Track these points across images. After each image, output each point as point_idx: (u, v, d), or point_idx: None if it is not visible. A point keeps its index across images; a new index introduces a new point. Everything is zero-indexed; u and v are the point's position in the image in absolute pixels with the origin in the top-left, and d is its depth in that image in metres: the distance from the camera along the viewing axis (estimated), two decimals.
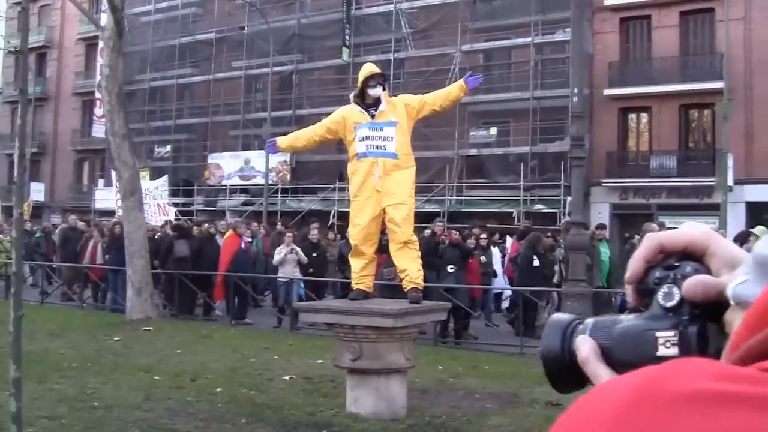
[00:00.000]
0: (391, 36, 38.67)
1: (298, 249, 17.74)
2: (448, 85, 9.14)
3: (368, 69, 8.47)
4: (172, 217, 26.44)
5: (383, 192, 8.15)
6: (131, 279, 16.11)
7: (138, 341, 13.45)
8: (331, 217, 33.78)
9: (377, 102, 8.32)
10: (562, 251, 17.43)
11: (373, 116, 8.26)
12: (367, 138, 8.26)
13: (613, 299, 16.10)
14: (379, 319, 7.81)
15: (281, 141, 8.97)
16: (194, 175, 45.83)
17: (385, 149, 8.20)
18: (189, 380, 9.83)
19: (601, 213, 31.81)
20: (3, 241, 23.77)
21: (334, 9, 40.81)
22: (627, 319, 1.12)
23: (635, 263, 1.06)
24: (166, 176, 32.21)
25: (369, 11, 40.47)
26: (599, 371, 1.10)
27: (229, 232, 18.91)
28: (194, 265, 18.33)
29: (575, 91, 14.08)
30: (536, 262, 15.91)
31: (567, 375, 1.15)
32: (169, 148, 46.55)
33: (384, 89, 8.37)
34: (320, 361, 11.33)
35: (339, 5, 40.45)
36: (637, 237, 19.06)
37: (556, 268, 17.36)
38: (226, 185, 43.08)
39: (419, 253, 8.28)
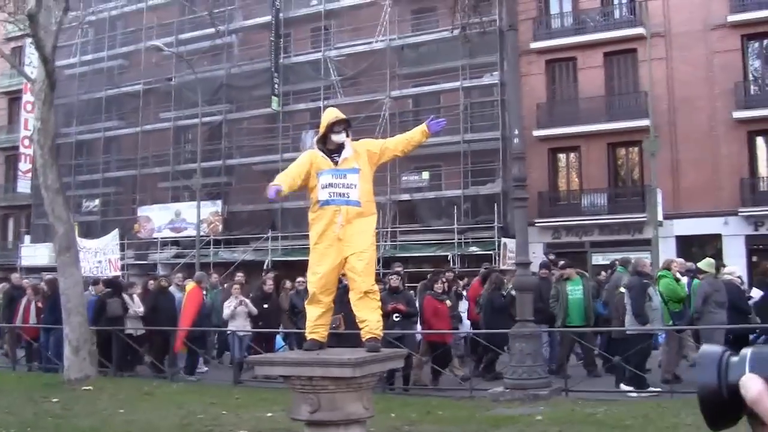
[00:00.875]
0: (320, 84, 38.77)
1: (248, 301, 17.51)
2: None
3: (333, 114, 8.29)
4: (118, 273, 25.92)
5: (344, 241, 8.00)
6: (68, 337, 15.62)
7: (78, 401, 13.01)
8: (264, 266, 33.42)
9: (340, 148, 8.18)
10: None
11: (336, 162, 8.11)
12: (330, 185, 8.10)
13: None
14: (337, 369, 7.62)
15: (283, 184, 8.67)
16: (124, 228, 45.05)
17: (349, 197, 8.06)
18: None
19: (535, 253, 31.97)
20: None
21: (262, 58, 40.79)
22: None
23: None
24: (117, 231, 31.60)
25: (297, 60, 40.53)
26: None
27: (192, 285, 18.45)
28: (150, 320, 17.89)
29: (516, 132, 14.16)
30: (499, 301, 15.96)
31: (724, 411, 1.06)
32: (97, 202, 45.74)
33: (347, 135, 8.23)
34: (270, 414, 11.08)
35: (267, 54, 40.45)
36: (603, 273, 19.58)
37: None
38: (156, 238, 42.46)
39: (380, 303, 8.10)
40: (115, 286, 19.45)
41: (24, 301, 20.14)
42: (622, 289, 15.45)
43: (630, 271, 15.06)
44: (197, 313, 17.57)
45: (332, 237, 8.01)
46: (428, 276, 17.78)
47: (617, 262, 17.84)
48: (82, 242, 25.79)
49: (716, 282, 14.29)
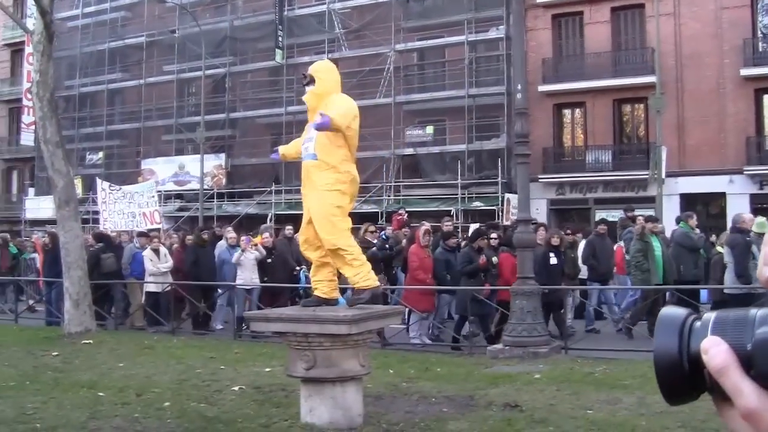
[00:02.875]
0: (324, 36, 38.44)
1: (260, 247, 17.34)
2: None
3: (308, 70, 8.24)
4: (162, 225, 24.55)
5: (305, 198, 8.04)
6: (68, 291, 15.61)
7: (78, 355, 13.01)
8: (268, 220, 33.37)
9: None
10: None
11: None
12: (306, 140, 8.11)
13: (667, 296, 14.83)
14: (332, 326, 7.60)
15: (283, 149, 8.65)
16: (127, 181, 44.93)
17: (308, 151, 7.99)
18: (135, 395, 9.49)
19: (538, 209, 31.94)
20: None
21: (266, 10, 40.45)
22: (763, 317, 0.91)
23: None
24: (154, 180, 31.27)
25: (302, 12, 40.18)
26: (742, 386, 0.89)
27: (259, 239, 18.16)
28: (190, 275, 17.66)
29: (519, 87, 14.01)
30: (554, 260, 15.23)
31: (684, 383, 0.93)
32: (101, 154, 45.66)
33: (310, 86, 8.07)
34: (268, 369, 11.09)
35: (271, 6, 40.11)
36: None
37: (581, 264, 17.02)
38: (160, 191, 42.35)
39: (354, 256, 7.95)
40: (107, 241, 19.39)
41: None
42: (719, 248, 14.96)
43: (730, 228, 14.45)
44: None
45: (303, 193, 8.08)
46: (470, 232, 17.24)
47: (680, 217, 17.14)
48: (114, 189, 24.79)
49: None
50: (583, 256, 17.07)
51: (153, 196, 24.62)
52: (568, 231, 18.49)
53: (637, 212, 24.97)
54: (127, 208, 23.45)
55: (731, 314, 0.92)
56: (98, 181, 27.04)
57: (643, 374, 9.68)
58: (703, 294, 16.13)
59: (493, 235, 16.17)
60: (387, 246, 16.43)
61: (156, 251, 18.02)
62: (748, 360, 0.88)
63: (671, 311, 0.97)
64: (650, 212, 27.52)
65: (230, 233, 18.37)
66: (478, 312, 14.53)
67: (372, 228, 17.01)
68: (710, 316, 0.93)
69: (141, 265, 18.12)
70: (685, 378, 0.92)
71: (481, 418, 8.15)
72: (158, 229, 22.31)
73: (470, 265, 14.62)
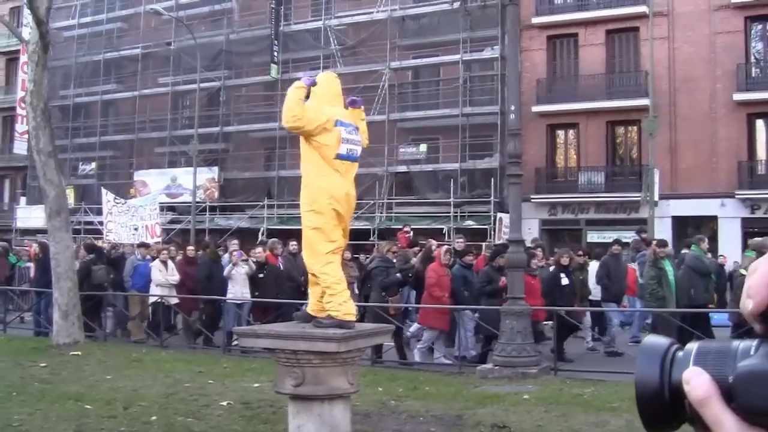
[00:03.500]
0: (319, 52, 38.56)
1: (250, 262, 17.25)
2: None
3: None
4: (159, 238, 24.30)
5: None
6: (58, 302, 15.56)
7: (66, 367, 12.96)
8: (260, 234, 33.34)
9: None
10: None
11: None
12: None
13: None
14: (321, 343, 7.56)
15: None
16: (120, 192, 44.89)
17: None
18: (121, 408, 9.46)
19: (530, 229, 31.96)
20: None
21: (262, 25, 40.54)
22: (745, 349, 0.91)
23: (762, 290, 0.88)
24: (155, 193, 31.30)
25: (297, 28, 40.28)
26: (723, 418, 0.89)
27: (266, 254, 18.17)
28: (204, 289, 17.48)
29: (512, 108, 14.03)
30: (565, 281, 15.19)
31: (664, 413, 0.92)
32: (93, 165, 45.60)
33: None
34: (257, 384, 11.06)
35: (267, 21, 40.21)
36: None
37: (592, 285, 16.96)
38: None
39: (328, 284, 7.87)
40: (98, 252, 19.30)
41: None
42: (743, 271, 14.80)
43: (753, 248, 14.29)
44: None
45: None
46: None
47: (690, 241, 16.92)
48: (119, 202, 25.06)
49: None
50: (597, 276, 16.95)
51: (155, 209, 24.82)
52: (580, 252, 18.38)
53: (631, 234, 25.05)
54: (130, 221, 23.73)
55: (713, 345, 0.93)
56: (104, 191, 27.25)
57: (631, 397, 9.51)
58: (716, 318, 16.09)
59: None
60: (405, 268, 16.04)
61: (164, 263, 17.92)
62: (730, 392, 0.88)
63: (653, 340, 0.97)
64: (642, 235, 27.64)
65: (234, 247, 18.26)
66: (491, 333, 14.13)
67: (395, 248, 16.72)
68: (692, 346, 0.94)
69: (143, 277, 18.05)
70: (665, 407, 0.92)
71: None
72: (158, 242, 22.35)
73: (490, 285, 14.48)
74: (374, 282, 15.37)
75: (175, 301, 17.86)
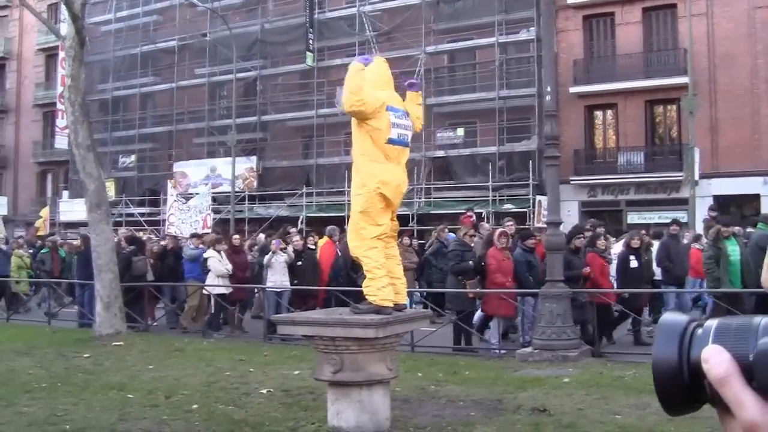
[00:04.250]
0: (354, 39, 38.44)
1: (289, 250, 17.28)
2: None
3: None
4: (209, 229, 24.54)
5: None
6: (99, 293, 15.75)
7: (109, 357, 13.11)
8: (299, 223, 33.46)
9: None
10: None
11: None
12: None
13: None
14: (359, 330, 7.59)
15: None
16: (159, 184, 45.35)
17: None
18: (163, 397, 9.55)
19: (570, 211, 31.76)
20: (23, 256, 22.93)
21: (296, 14, 40.57)
22: (767, 326, 0.87)
23: None
24: (209, 187, 31.79)
25: (332, 15, 40.24)
26: (744, 398, 0.85)
27: (325, 240, 18.16)
28: (299, 279, 17.21)
29: (548, 89, 13.93)
30: (634, 263, 14.77)
31: (684, 394, 0.90)
32: (133, 157, 46.02)
33: None
34: (297, 372, 11.10)
35: (301, 9, 40.22)
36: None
37: (655, 268, 16.30)
38: (191, 194, 42.63)
39: (369, 268, 7.90)
40: (139, 244, 19.44)
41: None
42: None
43: None
44: (332, 267, 17.35)
45: None
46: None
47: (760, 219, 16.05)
48: (178, 203, 25.83)
49: None
50: (657, 258, 16.28)
51: (208, 201, 25.50)
52: (644, 232, 17.79)
53: (678, 215, 24.71)
54: (189, 219, 24.73)
55: (734, 322, 0.89)
56: (169, 184, 27.95)
57: None
58: None
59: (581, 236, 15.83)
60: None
61: (219, 253, 17.80)
62: (750, 370, 0.85)
63: (672, 317, 0.94)
64: (683, 214, 27.37)
65: (295, 236, 18.31)
66: (580, 318, 13.66)
67: (471, 231, 16.42)
68: (712, 323, 0.90)
69: (198, 267, 18.17)
70: (684, 388, 0.89)
71: (509, 423, 8.11)
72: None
73: (570, 270, 13.77)
74: (448, 266, 15.14)
75: (222, 291, 17.79)
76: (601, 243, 15.25)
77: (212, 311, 18.02)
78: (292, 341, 14.44)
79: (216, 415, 8.63)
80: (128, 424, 8.24)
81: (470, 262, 14.64)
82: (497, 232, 14.97)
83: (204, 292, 17.94)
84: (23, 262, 22.47)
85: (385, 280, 7.89)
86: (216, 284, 17.54)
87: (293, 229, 19.58)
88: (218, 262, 17.51)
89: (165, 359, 12.82)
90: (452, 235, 18.51)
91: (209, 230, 24.05)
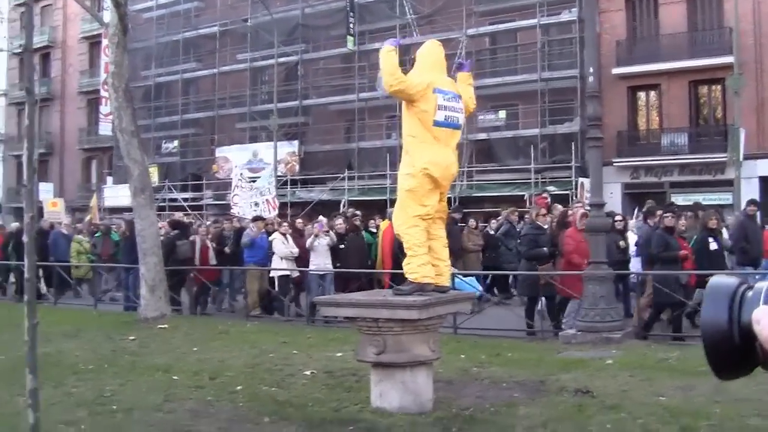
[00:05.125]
0: (395, 22, 38.40)
1: (332, 234, 17.33)
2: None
3: None
4: (276, 212, 24.54)
5: None
6: (144, 277, 15.92)
7: (154, 340, 13.27)
8: (341, 206, 33.54)
9: None
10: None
11: None
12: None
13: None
14: (402, 311, 7.61)
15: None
16: (202, 169, 45.73)
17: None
18: (208, 379, 9.65)
19: (612, 193, 31.52)
20: (82, 242, 23.09)
21: None
22: None
23: None
24: (271, 168, 31.95)
25: None
26: None
27: (387, 223, 18.22)
28: (342, 261, 17.21)
29: (591, 70, 13.80)
30: (713, 245, 14.19)
31: (734, 357, 0.89)
32: (176, 143, 46.42)
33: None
34: (340, 354, 11.14)
35: None
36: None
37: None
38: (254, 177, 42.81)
39: (409, 245, 7.93)
40: (182, 228, 19.57)
41: (198, 241, 19.13)
42: None
43: None
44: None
45: None
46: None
47: None
48: (244, 180, 25.89)
49: None
50: (734, 239, 15.71)
51: (271, 182, 25.48)
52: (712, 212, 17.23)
53: (722, 196, 24.37)
54: (251, 199, 24.70)
55: None
56: (235, 167, 27.97)
57: None
58: None
59: (618, 218, 15.61)
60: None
61: (284, 236, 17.82)
62: None
63: (721, 280, 0.93)
64: (728, 195, 27.06)
65: (338, 219, 18.38)
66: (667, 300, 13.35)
67: (543, 211, 16.22)
68: (763, 284, 0.89)
69: (261, 250, 18.11)
70: (735, 351, 0.88)
71: (552, 404, 8.09)
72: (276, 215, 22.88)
73: (666, 251, 13.39)
74: (522, 251, 15.00)
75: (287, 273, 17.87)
76: (682, 223, 14.67)
77: (276, 294, 17.99)
78: (335, 324, 14.52)
79: (260, 396, 8.70)
80: (174, 404, 8.34)
81: (544, 249, 14.49)
82: (579, 213, 14.56)
83: (270, 275, 17.88)
84: (83, 247, 22.69)
85: (426, 258, 7.92)
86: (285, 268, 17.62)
87: (352, 210, 19.45)
88: (283, 245, 17.55)
89: (209, 341, 12.93)
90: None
91: (276, 212, 24.08)
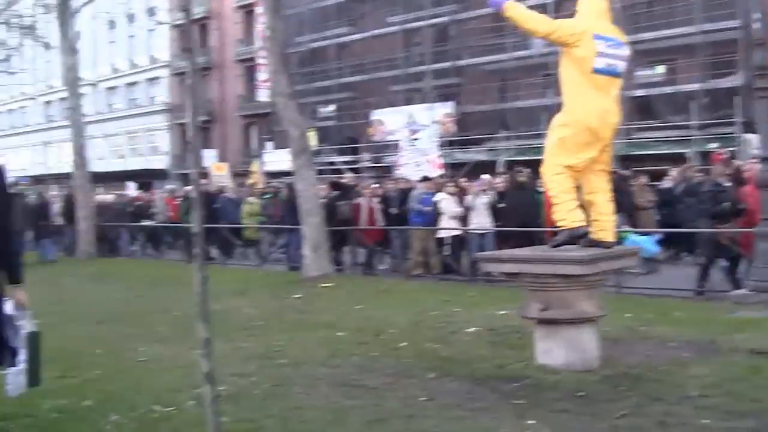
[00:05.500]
0: None
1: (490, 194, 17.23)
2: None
3: None
4: (441, 171, 24.35)
5: None
6: (307, 237, 16.29)
7: (318, 298, 13.58)
8: (497, 166, 33.33)
9: None
10: None
11: None
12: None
13: None
14: (565, 266, 7.50)
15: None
16: (358, 132, 46.24)
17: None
18: (372, 335, 9.79)
19: None
20: (254, 204, 23.28)
21: None
22: None
23: None
24: (431, 128, 32.27)
25: None
26: None
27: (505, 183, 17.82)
28: (510, 219, 16.67)
29: (756, 16, 13.17)
30: None
31: None
32: (332, 107, 47.08)
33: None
34: (502, 312, 11.08)
35: None
36: None
37: None
38: (391, 141, 43.17)
39: (554, 193, 7.83)
40: (343, 189, 19.81)
41: (364, 202, 19.01)
42: None
43: None
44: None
45: None
46: None
47: None
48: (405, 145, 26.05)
49: None
50: None
51: (434, 142, 25.39)
52: None
53: None
54: (413, 159, 24.53)
55: None
56: (405, 130, 27.90)
57: None
58: None
59: None
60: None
61: (452, 195, 17.66)
62: None
63: None
64: None
65: (497, 177, 18.33)
66: None
67: (726, 169, 15.48)
68: None
69: (426, 213, 17.87)
70: None
71: (725, 364, 7.81)
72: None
73: None
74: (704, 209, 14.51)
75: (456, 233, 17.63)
76: None
77: (447, 253, 17.80)
78: (496, 283, 14.43)
79: (424, 352, 8.77)
80: (340, 359, 8.50)
81: (728, 203, 13.84)
82: (756, 168, 13.89)
83: (437, 235, 17.69)
84: (253, 209, 23.17)
85: (573, 203, 7.78)
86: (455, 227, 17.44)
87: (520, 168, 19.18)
88: (451, 204, 17.41)
89: (372, 300, 13.12)
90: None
91: (441, 171, 23.91)
